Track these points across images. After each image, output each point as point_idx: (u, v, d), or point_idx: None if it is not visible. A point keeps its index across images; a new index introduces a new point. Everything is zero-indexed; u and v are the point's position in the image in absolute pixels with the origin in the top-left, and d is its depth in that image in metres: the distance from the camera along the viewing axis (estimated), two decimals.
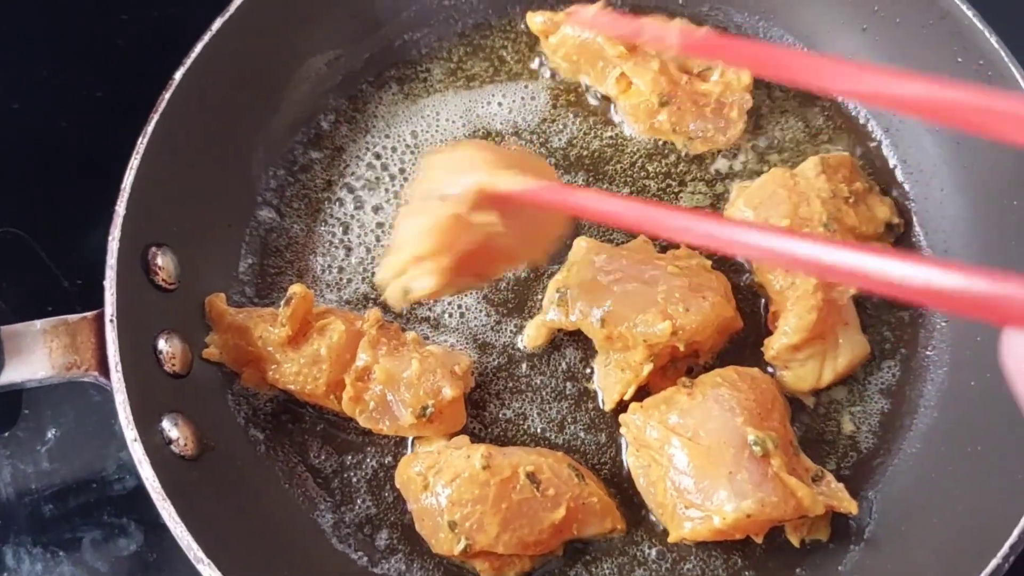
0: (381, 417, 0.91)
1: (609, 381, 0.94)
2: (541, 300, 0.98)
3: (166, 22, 1.22)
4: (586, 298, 0.92)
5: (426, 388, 0.90)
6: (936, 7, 0.95)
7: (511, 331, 0.99)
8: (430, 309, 1.01)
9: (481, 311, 1.00)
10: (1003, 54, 0.90)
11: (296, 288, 0.93)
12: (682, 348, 0.90)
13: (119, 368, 0.82)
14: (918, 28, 0.98)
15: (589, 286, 0.92)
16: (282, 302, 0.93)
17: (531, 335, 0.98)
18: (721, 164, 1.05)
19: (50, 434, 1.06)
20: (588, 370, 0.97)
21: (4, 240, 1.13)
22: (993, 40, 0.91)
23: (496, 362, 0.98)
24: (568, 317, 0.93)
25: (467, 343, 0.99)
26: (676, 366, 0.94)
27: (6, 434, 1.06)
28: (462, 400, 0.93)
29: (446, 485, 0.85)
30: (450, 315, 1.00)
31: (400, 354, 0.93)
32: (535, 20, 1.07)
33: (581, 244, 0.97)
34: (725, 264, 0.99)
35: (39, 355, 0.84)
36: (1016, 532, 0.76)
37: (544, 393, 0.97)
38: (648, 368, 0.90)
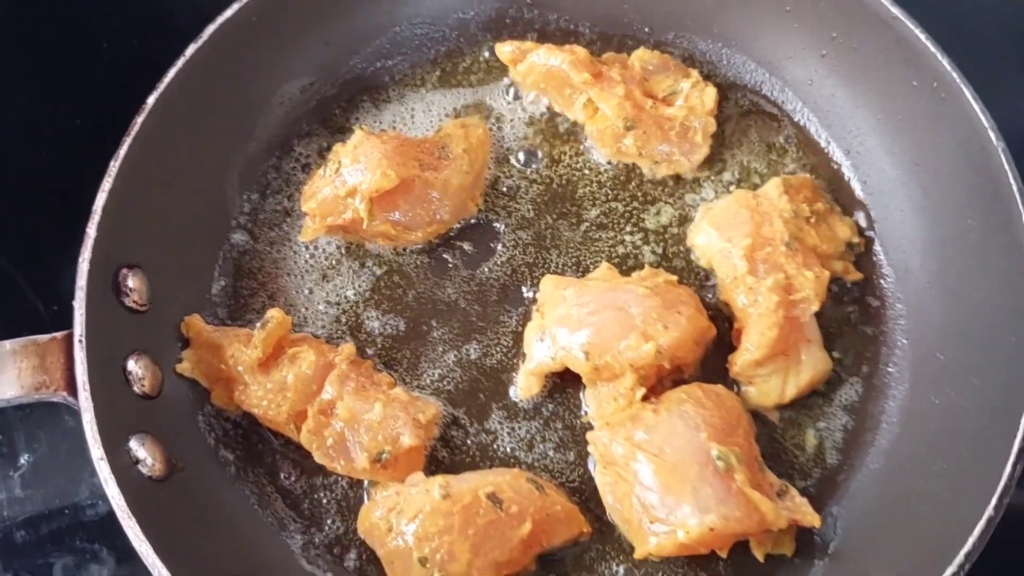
0: (337, 456, 0.91)
1: (604, 412, 0.93)
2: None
3: (146, 51, 1.23)
4: (565, 335, 0.92)
5: (385, 433, 0.90)
6: (892, 33, 0.98)
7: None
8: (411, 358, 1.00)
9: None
10: (955, 76, 0.94)
11: (274, 312, 0.94)
12: (667, 365, 0.91)
13: (87, 388, 0.83)
14: (875, 53, 1.01)
15: (565, 322, 0.93)
16: (259, 325, 0.94)
17: (523, 385, 0.97)
18: (686, 186, 1.07)
19: (23, 460, 1.06)
20: (557, 392, 0.98)
21: None
22: (946, 63, 0.94)
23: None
24: (552, 358, 0.93)
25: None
26: (663, 384, 0.95)
27: None
28: (421, 450, 0.92)
29: (410, 522, 0.84)
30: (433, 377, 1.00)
31: (367, 394, 0.92)
32: (504, 49, 1.10)
33: (547, 283, 0.98)
34: (687, 281, 1.01)
35: (8, 375, 0.84)
36: (971, 541, 0.77)
37: (514, 412, 0.98)
38: (640, 392, 0.91)
